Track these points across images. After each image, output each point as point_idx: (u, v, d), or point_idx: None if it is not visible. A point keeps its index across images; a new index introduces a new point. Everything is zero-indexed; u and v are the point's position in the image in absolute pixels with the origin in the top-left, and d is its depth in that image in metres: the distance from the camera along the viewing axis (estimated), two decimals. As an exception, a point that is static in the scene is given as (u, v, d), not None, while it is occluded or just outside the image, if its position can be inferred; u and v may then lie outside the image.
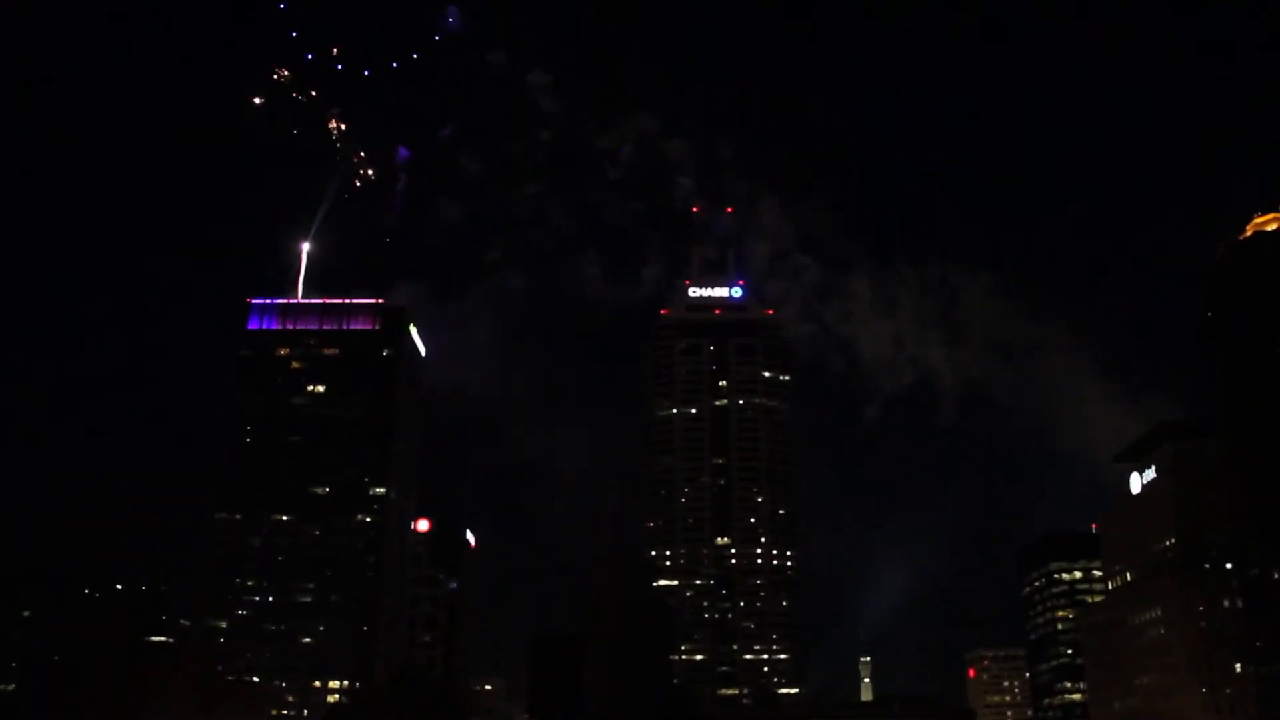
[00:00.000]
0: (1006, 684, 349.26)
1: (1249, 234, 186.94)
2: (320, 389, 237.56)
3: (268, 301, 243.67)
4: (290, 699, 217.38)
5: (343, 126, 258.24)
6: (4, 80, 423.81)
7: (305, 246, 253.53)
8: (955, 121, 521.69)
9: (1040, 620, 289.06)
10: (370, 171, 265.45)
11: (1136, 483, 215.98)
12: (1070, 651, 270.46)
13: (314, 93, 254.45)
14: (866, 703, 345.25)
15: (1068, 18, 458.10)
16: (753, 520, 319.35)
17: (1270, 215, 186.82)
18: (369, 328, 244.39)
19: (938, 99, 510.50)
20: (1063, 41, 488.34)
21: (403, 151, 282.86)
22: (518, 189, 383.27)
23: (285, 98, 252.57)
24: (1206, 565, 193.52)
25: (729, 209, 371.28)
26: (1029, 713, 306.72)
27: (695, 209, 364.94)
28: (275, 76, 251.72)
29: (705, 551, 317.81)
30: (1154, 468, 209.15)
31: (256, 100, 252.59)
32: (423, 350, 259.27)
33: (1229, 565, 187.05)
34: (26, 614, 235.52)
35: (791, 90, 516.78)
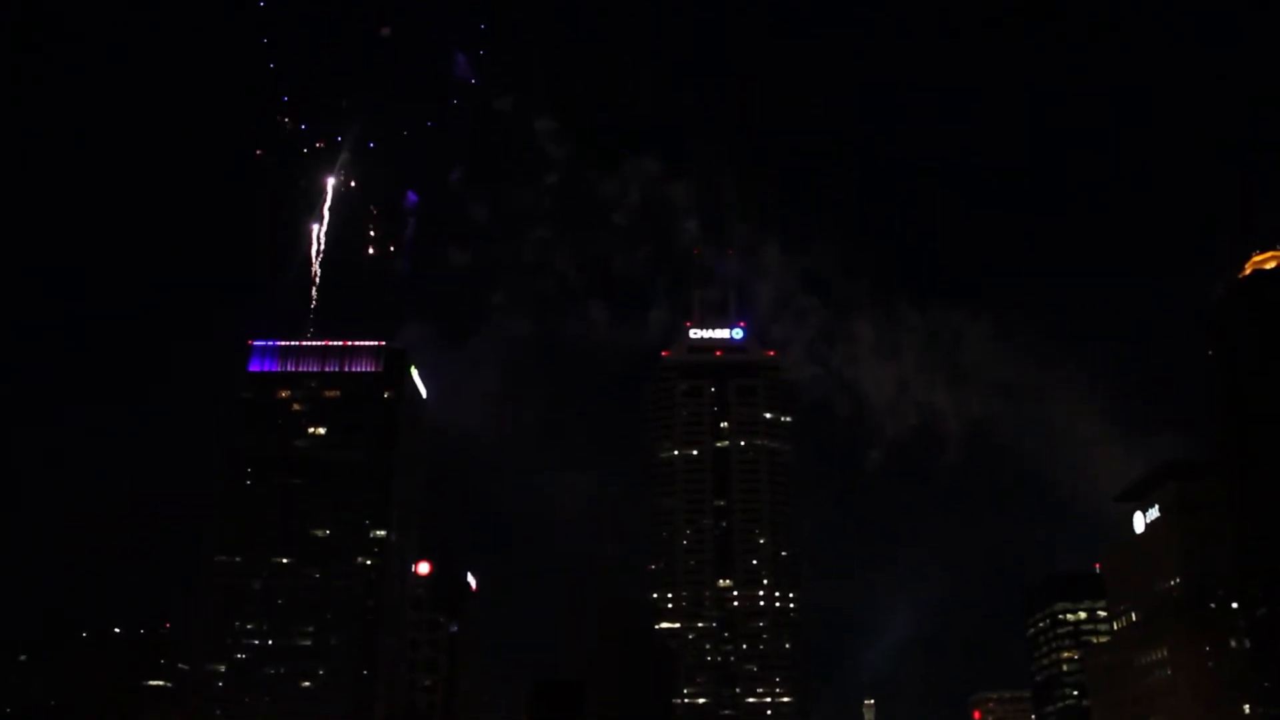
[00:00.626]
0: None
1: (1248, 272, 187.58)
2: (321, 431, 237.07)
3: (269, 344, 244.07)
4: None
5: (351, 182, 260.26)
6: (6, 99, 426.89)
7: (315, 272, 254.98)
8: (956, 127, 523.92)
9: (1045, 661, 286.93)
10: (376, 216, 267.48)
11: (1140, 522, 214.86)
12: (1076, 693, 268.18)
13: (320, 144, 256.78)
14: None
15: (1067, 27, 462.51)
16: (755, 562, 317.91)
17: (1269, 254, 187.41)
18: (370, 370, 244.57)
19: (938, 99, 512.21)
20: (1063, 49, 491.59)
21: (411, 196, 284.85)
22: (525, 234, 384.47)
23: (289, 146, 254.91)
24: (1212, 605, 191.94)
25: (729, 250, 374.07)
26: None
27: (696, 251, 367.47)
28: (280, 122, 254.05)
29: (707, 594, 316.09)
30: (1157, 507, 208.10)
31: (259, 152, 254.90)
32: (424, 392, 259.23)
33: (1235, 605, 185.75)
34: (23, 658, 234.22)
35: (789, 94, 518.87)
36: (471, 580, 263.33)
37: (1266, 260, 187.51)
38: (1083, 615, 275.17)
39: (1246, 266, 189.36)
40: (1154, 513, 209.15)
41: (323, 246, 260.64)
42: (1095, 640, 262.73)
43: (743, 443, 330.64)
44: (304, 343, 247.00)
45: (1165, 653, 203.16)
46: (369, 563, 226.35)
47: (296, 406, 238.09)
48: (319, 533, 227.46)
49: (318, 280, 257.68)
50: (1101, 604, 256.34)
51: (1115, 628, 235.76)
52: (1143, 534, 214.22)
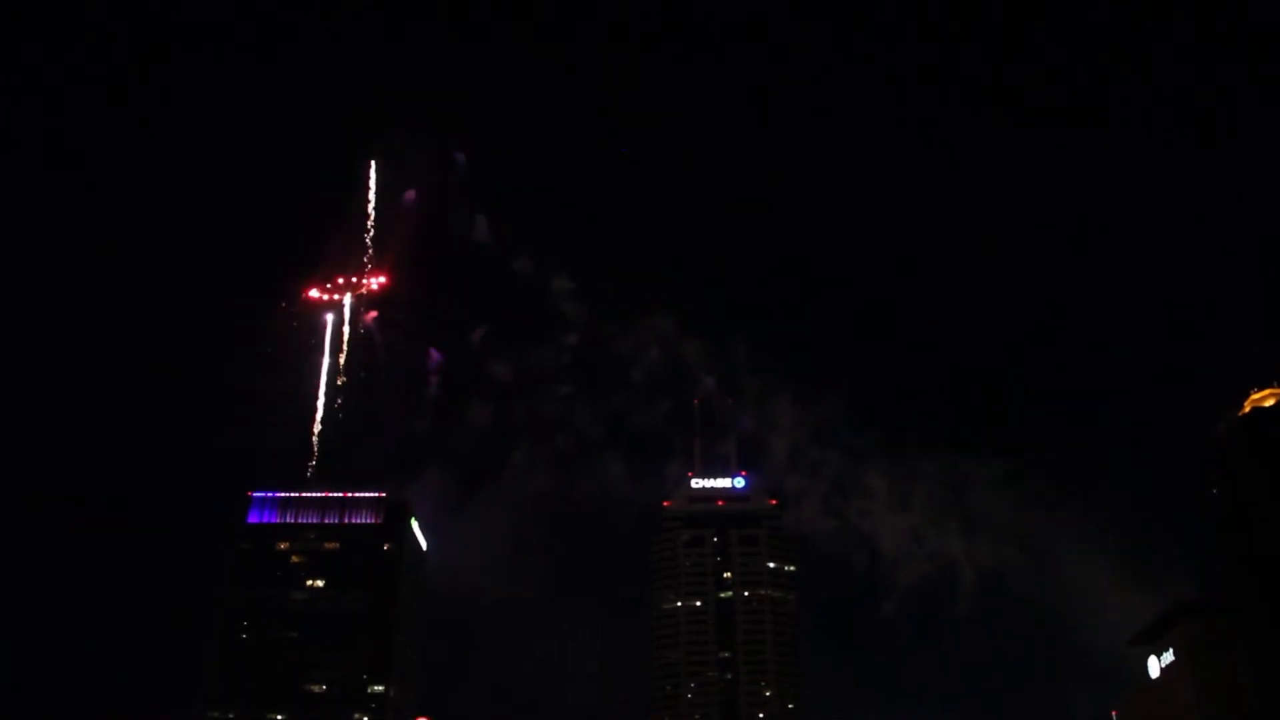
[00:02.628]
0: None
1: (1247, 410, 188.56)
2: (320, 583, 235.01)
3: (268, 495, 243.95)
4: None
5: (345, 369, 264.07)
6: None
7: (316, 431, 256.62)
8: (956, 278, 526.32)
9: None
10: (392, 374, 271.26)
11: (1155, 666, 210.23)
12: None
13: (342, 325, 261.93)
14: None
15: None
16: (761, 715, 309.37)
17: (1267, 390, 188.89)
18: (370, 521, 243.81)
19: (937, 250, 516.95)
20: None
21: (435, 355, 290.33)
22: (544, 392, 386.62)
23: (291, 325, 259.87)
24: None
25: (730, 400, 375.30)
26: None
27: (696, 401, 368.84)
28: (283, 307, 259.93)
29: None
30: (1171, 650, 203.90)
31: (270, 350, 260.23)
32: (424, 544, 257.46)
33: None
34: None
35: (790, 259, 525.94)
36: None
37: (1265, 398, 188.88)
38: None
39: (1245, 404, 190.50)
40: (1169, 656, 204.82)
41: (334, 401, 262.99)
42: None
43: (746, 593, 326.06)
44: (304, 494, 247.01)
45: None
46: (367, 719, 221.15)
47: (295, 558, 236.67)
48: (315, 688, 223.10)
49: (321, 431, 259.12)
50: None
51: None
52: (1158, 678, 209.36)
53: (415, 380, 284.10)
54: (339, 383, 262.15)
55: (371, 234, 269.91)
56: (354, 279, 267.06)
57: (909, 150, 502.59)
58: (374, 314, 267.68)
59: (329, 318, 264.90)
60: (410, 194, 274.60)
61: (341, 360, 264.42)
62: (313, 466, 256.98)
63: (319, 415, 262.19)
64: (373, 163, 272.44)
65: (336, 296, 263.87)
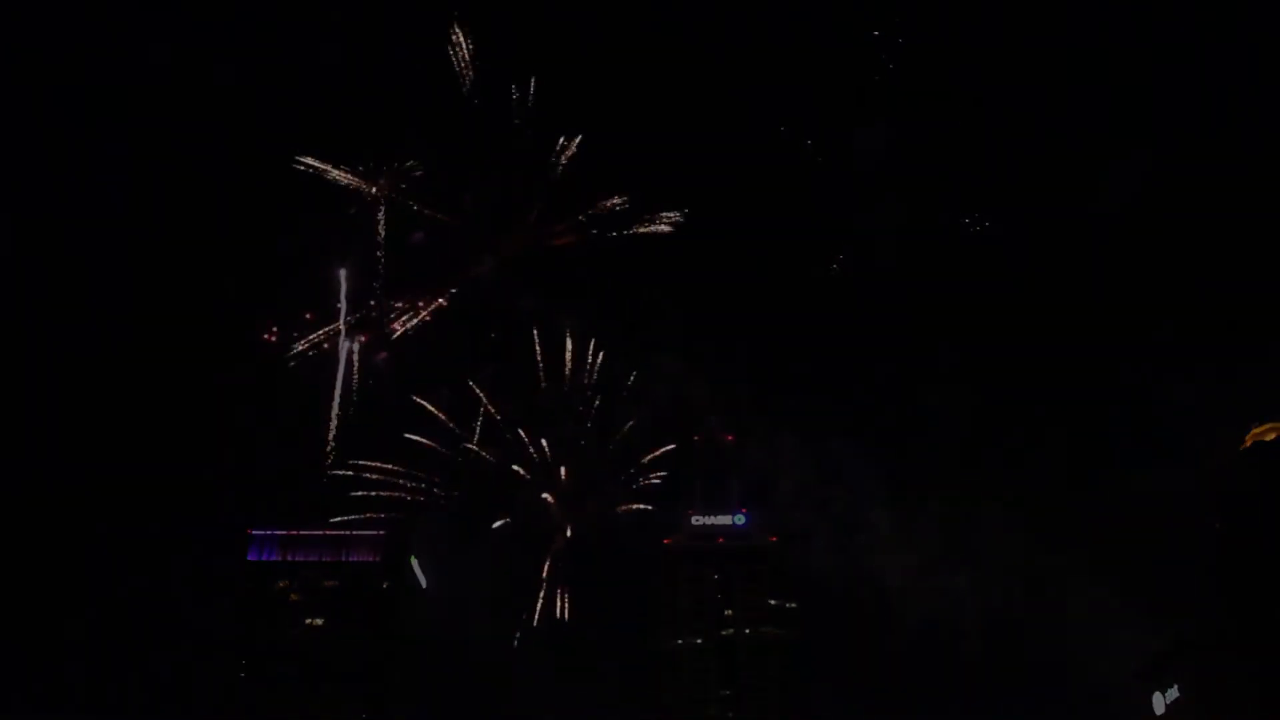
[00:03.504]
0: None
1: (1248, 444, 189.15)
2: (318, 622, 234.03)
3: (268, 533, 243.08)
4: None
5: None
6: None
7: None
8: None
9: None
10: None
11: (1160, 703, 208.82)
12: None
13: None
14: None
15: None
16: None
17: (1267, 425, 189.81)
18: (369, 559, 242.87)
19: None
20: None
21: (441, 392, 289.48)
22: (547, 430, 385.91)
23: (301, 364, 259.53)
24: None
25: (729, 437, 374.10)
26: None
27: (697, 438, 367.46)
28: (266, 337, 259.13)
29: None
30: (1176, 686, 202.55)
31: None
32: (424, 582, 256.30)
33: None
34: None
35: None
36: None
37: (1265, 432, 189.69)
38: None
39: (1246, 439, 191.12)
40: (1174, 692, 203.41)
41: (338, 439, 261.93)
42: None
43: (748, 630, 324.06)
44: (303, 532, 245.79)
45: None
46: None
47: (294, 596, 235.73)
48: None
49: (325, 469, 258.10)
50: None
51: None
52: (1163, 715, 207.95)
53: (420, 419, 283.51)
54: (338, 423, 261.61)
55: (383, 274, 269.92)
56: (364, 317, 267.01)
57: (907, 153, 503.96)
58: (384, 355, 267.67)
59: (342, 356, 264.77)
60: (419, 235, 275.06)
61: (350, 407, 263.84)
62: (315, 504, 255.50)
63: (328, 454, 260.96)
64: (382, 206, 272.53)
65: (343, 341, 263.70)
